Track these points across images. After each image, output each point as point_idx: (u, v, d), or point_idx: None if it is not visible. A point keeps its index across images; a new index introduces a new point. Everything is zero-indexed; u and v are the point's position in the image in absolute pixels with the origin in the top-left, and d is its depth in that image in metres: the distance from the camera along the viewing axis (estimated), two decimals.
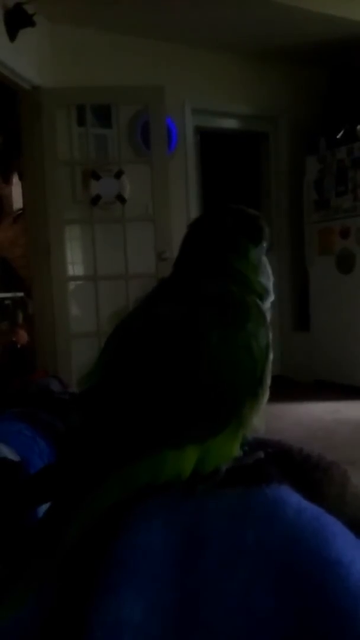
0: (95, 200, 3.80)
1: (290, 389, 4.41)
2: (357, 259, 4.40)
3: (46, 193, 3.66)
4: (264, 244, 0.63)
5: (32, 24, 3.28)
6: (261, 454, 0.58)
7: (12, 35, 3.24)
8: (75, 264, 3.99)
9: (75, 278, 3.96)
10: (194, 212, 4.61)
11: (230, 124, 4.92)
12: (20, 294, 4.53)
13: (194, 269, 0.60)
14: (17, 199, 4.94)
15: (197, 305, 0.55)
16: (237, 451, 0.56)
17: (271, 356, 0.57)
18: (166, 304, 0.57)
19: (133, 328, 0.57)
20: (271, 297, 0.62)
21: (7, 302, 4.61)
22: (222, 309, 0.55)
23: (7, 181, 5.09)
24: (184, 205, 4.48)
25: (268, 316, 0.60)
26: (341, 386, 4.49)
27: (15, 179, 4.96)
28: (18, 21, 3.25)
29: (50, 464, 0.56)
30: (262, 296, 0.60)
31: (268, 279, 0.62)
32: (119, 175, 3.81)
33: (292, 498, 0.52)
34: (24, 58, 3.44)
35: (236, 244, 0.60)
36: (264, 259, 0.63)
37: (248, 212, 0.63)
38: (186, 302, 0.56)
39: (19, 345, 4.28)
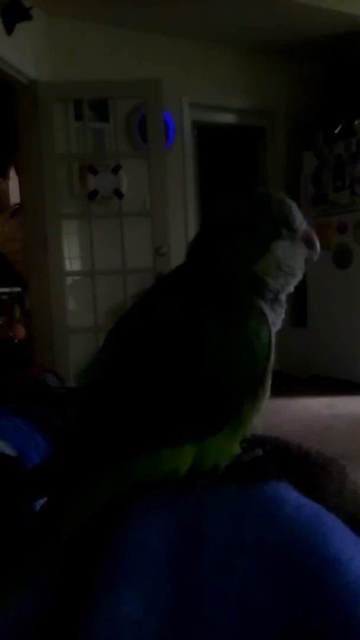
0: (93, 195, 3.78)
1: (287, 384, 4.41)
2: (354, 254, 4.41)
3: (43, 188, 3.64)
4: (273, 230, 0.57)
5: (29, 17, 3.27)
6: (260, 452, 0.57)
7: (9, 29, 3.22)
8: (72, 259, 3.98)
9: (72, 273, 3.95)
10: (192, 207, 4.60)
11: (227, 118, 4.90)
12: (18, 289, 4.52)
13: (196, 267, 0.59)
14: (14, 193, 4.91)
15: (198, 303, 0.54)
16: (236, 449, 0.56)
17: (273, 356, 0.56)
18: (166, 301, 0.56)
19: (132, 325, 0.56)
20: (285, 292, 0.58)
21: (4, 297, 4.60)
22: (224, 307, 0.54)
23: (4, 176, 5.07)
24: (182, 200, 4.47)
25: (282, 312, 0.58)
26: (338, 381, 4.50)
27: (12, 174, 4.94)
28: (15, 15, 3.23)
29: (47, 458, 0.56)
30: (262, 292, 0.57)
31: (284, 271, 0.58)
32: (116, 169, 3.80)
33: (290, 495, 0.52)
34: (21, 52, 3.42)
35: (231, 242, 0.57)
36: (281, 251, 0.58)
37: (248, 199, 0.59)
38: (187, 300, 0.55)
39: (16, 340, 4.27)
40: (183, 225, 4.36)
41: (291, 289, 0.59)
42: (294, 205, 0.59)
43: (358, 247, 4.38)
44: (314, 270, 4.66)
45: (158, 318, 0.54)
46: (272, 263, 0.57)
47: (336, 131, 4.56)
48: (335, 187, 4.53)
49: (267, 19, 4.10)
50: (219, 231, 0.59)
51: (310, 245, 0.60)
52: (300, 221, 0.59)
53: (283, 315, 0.59)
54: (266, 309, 0.56)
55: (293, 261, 0.59)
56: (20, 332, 4.29)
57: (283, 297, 0.59)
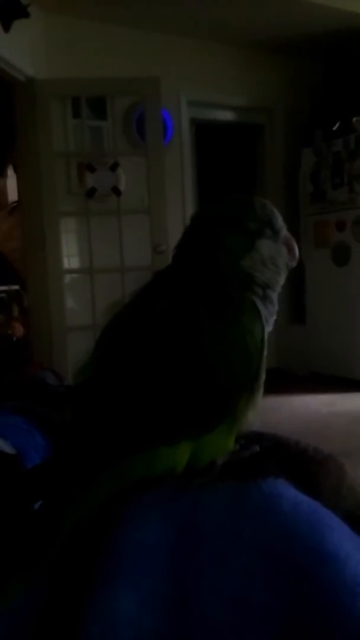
0: (91, 192, 3.78)
1: (286, 381, 4.41)
2: (353, 252, 4.41)
3: (41, 185, 3.64)
4: (258, 229, 0.60)
5: (26, 15, 3.26)
6: (257, 448, 0.58)
7: (6, 26, 3.21)
8: (70, 257, 3.98)
9: (70, 271, 3.95)
10: (190, 205, 4.60)
11: (225, 115, 4.90)
12: (16, 287, 4.51)
13: (187, 264, 0.60)
14: (12, 191, 4.91)
15: (192, 300, 0.55)
16: (232, 445, 0.56)
17: (266, 351, 0.56)
18: (161, 298, 0.57)
19: (127, 322, 0.57)
20: (274, 289, 0.60)
21: (2, 295, 4.59)
22: (217, 303, 0.54)
23: (2, 173, 5.06)
24: (180, 198, 4.47)
25: (274, 310, 0.59)
26: (337, 378, 4.50)
27: (10, 171, 4.93)
28: (12, 12, 3.22)
29: (45, 459, 0.56)
30: (251, 287, 0.58)
31: (270, 268, 0.59)
32: (114, 167, 3.79)
33: (288, 492, 0.52)
34: (18, 49, 3.41)
35: (219, 239, 0.59)
36: (265, 249, 0.60)
37: (233, 200, 0.61)
38: (180, 296, 0.55)
39: (14, 338, 4.26)
40: (181, 223, 4.35)
41: (279, 287, 0.61)
42: (274, 209, 0.62)
43: (356, 245, 4.38)
44: (312, 268, 4.68)
45: (152, 315, 0.55)
46: (258, 260, 0.59)
47: (334, 128, 4.56)
48: (334, 184, 4.53)
49: (265, 16, 4.10)
50: (206, 230, 0.60)
51: (290, 249, 0.62)
52: (281, 224, 0.62)
53: (275, 315, 0.60)
54: (258, 303, 0.57)
55: (277, 259, 0.61)
56: (19, 330, 4.28)
57: (273, 295, 0.60)
